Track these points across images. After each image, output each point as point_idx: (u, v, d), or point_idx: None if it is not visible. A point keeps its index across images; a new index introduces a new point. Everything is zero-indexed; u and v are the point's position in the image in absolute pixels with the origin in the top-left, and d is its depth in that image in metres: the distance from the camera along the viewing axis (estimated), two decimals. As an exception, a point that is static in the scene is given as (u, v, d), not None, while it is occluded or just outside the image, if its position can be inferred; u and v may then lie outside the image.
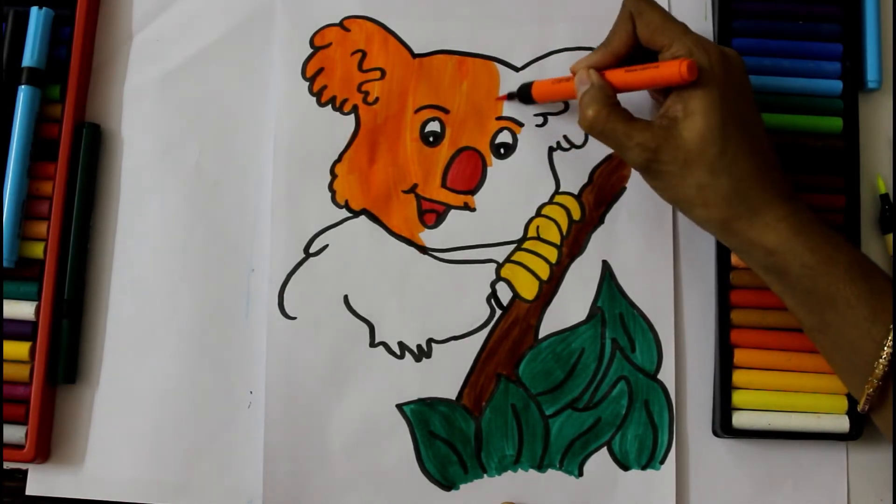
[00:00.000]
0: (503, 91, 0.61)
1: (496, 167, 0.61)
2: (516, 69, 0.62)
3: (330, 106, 0.61)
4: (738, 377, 0.58)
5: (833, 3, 0.61)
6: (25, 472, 0.58)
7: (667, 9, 0.62)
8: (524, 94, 0.60)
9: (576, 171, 0.61)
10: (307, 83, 0.61)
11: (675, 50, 0.50)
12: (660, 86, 0.52)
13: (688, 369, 0.59)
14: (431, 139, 0.61)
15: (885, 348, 0.47)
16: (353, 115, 0.61)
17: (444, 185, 0.61)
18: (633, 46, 0.53)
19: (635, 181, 0.60)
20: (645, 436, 0.58)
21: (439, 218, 0.60)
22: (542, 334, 0.59)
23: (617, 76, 0.53)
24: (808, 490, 0.58)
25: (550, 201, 0.60)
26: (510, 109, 0.61)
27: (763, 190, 0.50)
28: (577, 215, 0.60)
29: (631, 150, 0.51)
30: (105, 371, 0.59)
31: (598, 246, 0.60)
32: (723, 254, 0.59)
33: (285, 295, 0.59)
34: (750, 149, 0.50)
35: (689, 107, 0.49)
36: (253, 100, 0.62)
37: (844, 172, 0.59)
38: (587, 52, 0.61)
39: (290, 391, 0.58)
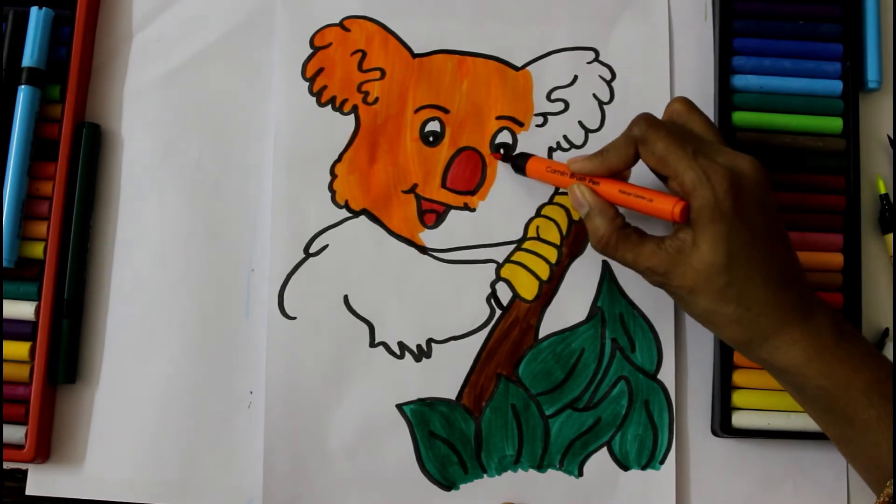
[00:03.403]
0: (503, 92, 0.61)
1: (496, 167, 0.61)
2: (516, 69, 0.62)
3: (330, 106, 0.61)
4: (737, 377, 0.58)
5: (833, 3, 0.61)
6: (25, 472, 0.58)
7: (665, 12, 0.62)
8: (518, 166, 0.59)
9: (576, 171, 0.61)
10: (307, 83, 0.61)
11: (681, 180, 0.49)
12: (654, 216, 0.51)
13: (688, 369, 0.59)
14: (431, 139, 0.61)
15: None
16: (353, 115, 0.61)
17: (444, 186, 0.60)
18: (630, 166, 0.52)
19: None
20: (645, 436, 0.58)
21: (439, 218, 0.60)
22: (542, 334, 0.59)
23: (611, 192, 0.52)
24: (808, 490, 0.58)
25: (550, 201, 0.60)
26: (508, 109, 0.61)
27: (775, 316, 0.48)
28: (576, 216, 0.60)
29: (642, 273, 0.51)
30: (105, 371, 0.59)
31: (598, 246, 0.60)
32: (723, 254, 0.59)
33: (285, 295, 0.59)
34: (764, 274, 0.48)
35: (696, 238, 0.48)
36: (253, 99, 0.62)
37: (844, 172, 0.59)
38: (587, 52, 0.62)
39: (290, 391, 0.58)
